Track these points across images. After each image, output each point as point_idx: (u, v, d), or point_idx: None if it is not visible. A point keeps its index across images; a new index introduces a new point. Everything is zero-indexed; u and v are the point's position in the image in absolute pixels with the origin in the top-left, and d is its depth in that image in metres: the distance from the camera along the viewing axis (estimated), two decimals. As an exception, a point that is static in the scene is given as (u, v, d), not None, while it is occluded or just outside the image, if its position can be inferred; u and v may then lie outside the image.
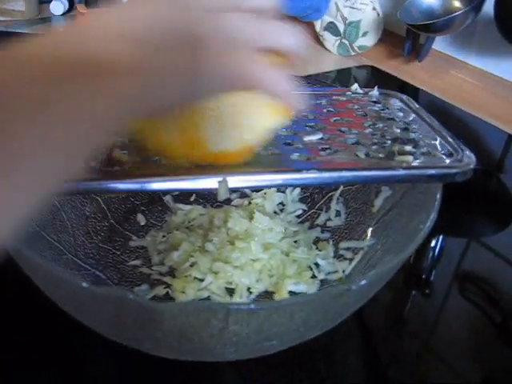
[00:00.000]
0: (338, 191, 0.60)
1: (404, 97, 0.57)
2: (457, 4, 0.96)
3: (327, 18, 1.16)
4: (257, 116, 0.40)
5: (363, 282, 0.36)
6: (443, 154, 0.46)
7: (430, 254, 0.63)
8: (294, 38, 0.37)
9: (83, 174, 0.39)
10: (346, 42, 1.15)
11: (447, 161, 0.45)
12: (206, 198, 0.63)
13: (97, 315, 0.39)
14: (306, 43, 0.38)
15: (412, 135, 0.49)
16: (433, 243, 0.64)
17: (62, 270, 0.45)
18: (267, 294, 0.52)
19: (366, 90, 0.58)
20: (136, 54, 0.30)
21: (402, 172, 0.43)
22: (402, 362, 0.50)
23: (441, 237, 0.65)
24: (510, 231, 0.68)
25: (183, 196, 0.63)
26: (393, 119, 0.52)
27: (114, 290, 0.35)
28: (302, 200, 0.63)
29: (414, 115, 0.53)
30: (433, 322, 0.54)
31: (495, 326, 0.54)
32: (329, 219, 0.60)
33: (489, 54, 1.01)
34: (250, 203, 0.62)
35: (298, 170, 0.42)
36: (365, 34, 1.13)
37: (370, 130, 0.49)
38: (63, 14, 1.21)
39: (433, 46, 1.06)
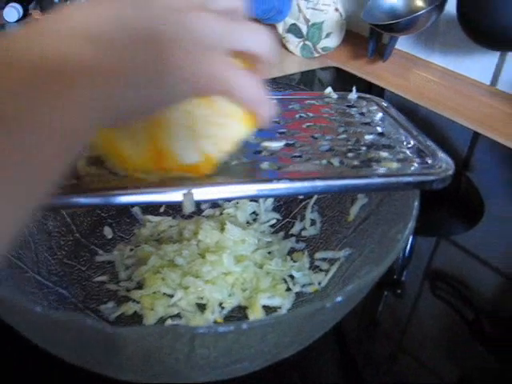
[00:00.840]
0: (313, 199, 0.58)
1: (380, 100, 0.55)
2: (419, 3, 0.95)
3: (289, 20, 1.15)
4: (225, 126, 0.37)
5: (338, 299, 0.34)
6: (420, 159, 0.44)
7: (401, 254, 0.62)
8: (266, 40, 0.34)
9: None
10: (310, 44, 1.14)
11: (425, 167, 0.43)
12: (176, 208, 0.61)
13: (55, 340, 0.36)
14: (277, 47, 0.36)
15: (388, 141, 0.47)
16: None
17: (16, 293, 0.43)
18: (240, 309, 0.50)
19: (342, 93, 0.56)
20: (99, 54, 0.28)
21: (377, 180, 0.41)
22: (375, 363, 0.49)
23: (411, 236, 0.63)
24: (478, 229, 0.67)
25: (152, 207, 0.60)
26: (368, 124, 0.50)
27: (72, 315, 0.33)
28: (275, 209, 0.61)
29: (390, 119, 0.51)
30: (405, 322, 0.53)
31: (467, 323, 0.54)
32: (304, 228, 0.58)
33: (452, 53, 1.01)
34: (221, 213, 0.60)
35: (269, 180, 0.39)
36: (328, 35, 1.12)
37: (345, 135, 0.47)
38: (17, 21, 1.16)
39: (396, 46, 1.06)
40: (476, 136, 0.88)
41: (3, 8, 1.15)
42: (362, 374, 0.48)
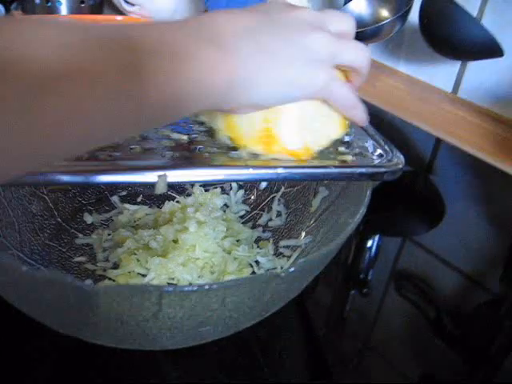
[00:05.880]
0: (280, 193, 0.63)
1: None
2: (385, 13, 1.00)
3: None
4: (325, 124, 0.44)
5: (291, 269, 0.38)
6: (375, 155, 0.49)
7: (367, 254, 0.65)
8: (365, 57, 0.42)
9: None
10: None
11: (377, 161, 0.48)
12: (153, 199, 0.65)
13: (37, 302, 0.40)
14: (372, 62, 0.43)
15: (346, 138, 0.51)
16: (369, 243, 0.66)
17: (4, 255, 0.46)
18: (208, 290, 0.54)
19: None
20: (230, 62, 0.35)
21: (334, 170, 0.45)
22: (342, 361, 0.51)
23: (376, 237, 0.67)
24: (440, 230, 0.70)
25: (130, 197, 0.64)
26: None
27: (53, 273, 0.36)
28: (245, 202, 0.65)
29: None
30: (371, 320, 0.56)
31: (430, 321, 0.56)
32: (270, 219, 0.62)
33: (416, 61, 1.06)
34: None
35: (237, 167, 0.44)
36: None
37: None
38: (-2, 20, 1.19)
39: (365, 54, 1.10)
40: (438, 141, 0.91)
41: (-15, 7, 1.18)
42: (328, 369, 0.51)
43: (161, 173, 0.42)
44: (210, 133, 0.46)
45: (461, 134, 0.92)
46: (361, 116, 0.44)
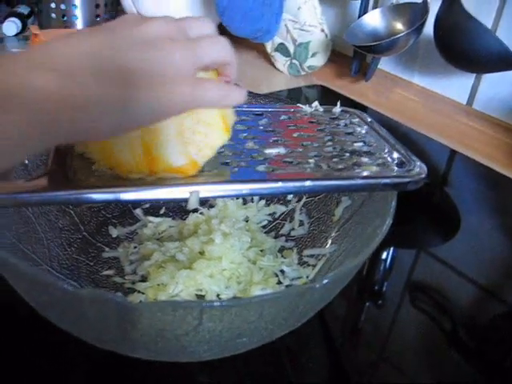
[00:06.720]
0: (301, 202, 0.64)
1: (361, 113, 0.61)
2: (399, 27, 1.00)
3: (278, 40, 1.20)
4: (207, 134, 0.43)
5: (325, 281, 0.39)
6: (397, 165, 0.50)
7: (382, 266, 0.66)
8: (224, 47, 0.41)
9: (59, 186, 0.41)
10: (296, 63, 1.19)
11: (400, 171, 0.49)
12: (176, 211, 0.66)
13: (78, 319, 0.41)
14: (234, 51, 0.42)
15: (369, 148, 0.53)
16: (384, 255, 0.67)
17: (47, 275, 0.47)
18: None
19: (327, 107, 0.62)
20: (65, 86, 0.33)
21: (359, 181, 0.47)
22: (357, 372, 0.52)
23: (391, 249, 0.68)
24: (455, 242, 0.71)
25: (153, 209, 0.65)
26: (351, 134, 0.56)
27: (97, 292, 0.38)
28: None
29: (370, 130, 0.57)
30: (386, 332, 0.56)
31: (446, 333, 0.57)
32: (293, 229, 0.63)
33: (430, 73, 1.07)
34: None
35: (264, 181, 0.45)
36: (314, 54, 1.17)
37: (330, 143, 0.53)
38: (16, 35, 1.20)
39: (379, 66, 1.11)
40: (453, 153, 0.91)
41: (2, 22, 1.20)
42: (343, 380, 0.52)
43: (193, 188, 0.43)
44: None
45: (475, 145, 0.93)
46: (238, 97, 0.42)
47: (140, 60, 0.35)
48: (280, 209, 0.65)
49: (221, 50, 0.41)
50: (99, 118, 0.35)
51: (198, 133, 0.43)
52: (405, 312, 0.59)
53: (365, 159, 0.50)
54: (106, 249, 0.60)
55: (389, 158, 0.51)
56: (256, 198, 0.66)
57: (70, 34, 0.36)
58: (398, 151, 0.52)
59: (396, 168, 0.49)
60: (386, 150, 0.52)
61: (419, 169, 0.49)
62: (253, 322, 0.39)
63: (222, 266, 0.56)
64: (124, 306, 0.36)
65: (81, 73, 0.33)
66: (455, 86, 1.03)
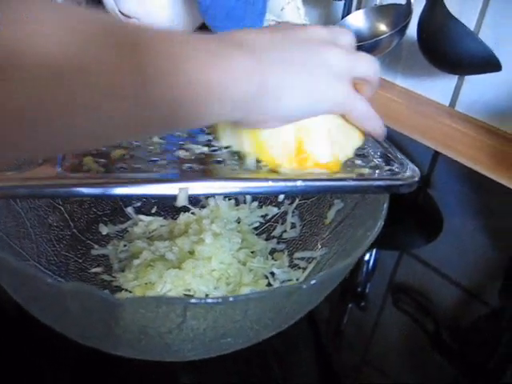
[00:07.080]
0: (294, 205, 0.63)
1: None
2: (382, 28, 0.99)
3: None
4: (350, 136, 0.46)
5: (313, 282, 0.38)
6: (390, 167, 0.49)
7: (365, 268, 0.65)
8: (376, 68, 0.43)
9: (47, 178, 0.41)
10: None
11: (393, 174, 0.48)
12: (167, 210, 0.65)
13: (61, 314, 0.40)
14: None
15: (362, 151, 0.52)
16: (366, 256, 0.66)
17: (30, 268, 0.47)
18: (224, 301, 0.54)
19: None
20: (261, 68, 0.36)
21: (352, 183, 0.46)
22: (343, 374, 0.52)
23: (374, 251, 0.67)
24: (438, 243, 0.70)
25: (145, 208, 0.65)
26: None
27: (79, 285, 0.37)
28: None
29: None
30: (369, 333, 0.56)
31: (428, 335, 0.56)
32: (284, 231, 0.62)
33: (413, 75, 1.06)
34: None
35: (256, 179, 0.45)
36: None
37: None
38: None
39: (363, 68, 1.11)
40: (436, 155, 0.91)
41: None
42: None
43: (182, 185, 0.42)
44: (237, 157, 0.46)
45: (458, 147, 0.92)
46: (379, 128, 0.46)
47: (311, 55, 0.39)
48: (272, 210, 0.65)
49: (371, 66, 0.43)
50: (277, 101, 0.38)
51: (342, 133, 0.45)
52: (388, 314, 0.59)
53: (357, 161, 0.49)
54: (96, 246, 0.60)
55: (382, 161, 0.50)
56: (249, 200, 0.66)
57: (246, 29, 0.39)
58: (390, 154, 0.51)
59: (389, 171, 0.49)
60: (379, 153, 0.52)
61: (412, 172, 0.48)
62: (238, 322, 0.38)
63: (212, 267, 0.55)
64: (107, 300, 0.36)
65: (272, 58, 0.37)
66: (438, 88, 1.02)
